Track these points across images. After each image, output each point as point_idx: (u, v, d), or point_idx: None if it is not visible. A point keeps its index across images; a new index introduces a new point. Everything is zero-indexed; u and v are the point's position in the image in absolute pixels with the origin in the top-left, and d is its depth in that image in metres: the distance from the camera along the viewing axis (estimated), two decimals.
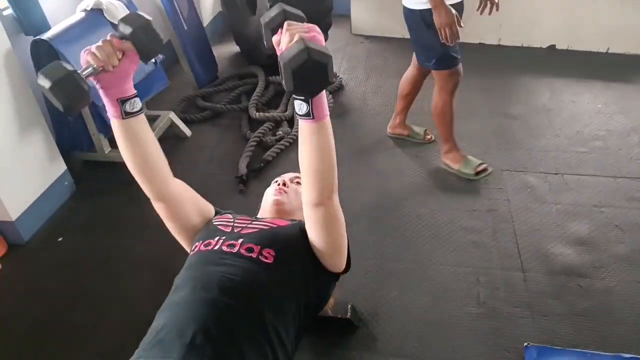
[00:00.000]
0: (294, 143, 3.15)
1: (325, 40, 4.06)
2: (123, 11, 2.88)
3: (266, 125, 3.27)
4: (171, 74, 3.83)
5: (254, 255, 1.28)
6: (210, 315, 1.15)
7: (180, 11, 3.68)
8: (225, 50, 4.50)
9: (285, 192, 1.59)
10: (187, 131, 3.33)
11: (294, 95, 1.02)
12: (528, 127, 3.26)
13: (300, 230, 1.37)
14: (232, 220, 1.46)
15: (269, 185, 1.68)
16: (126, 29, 1.10)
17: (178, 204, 1.41)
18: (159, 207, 1.40)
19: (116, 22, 2.89)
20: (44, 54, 2.52)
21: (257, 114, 3.35)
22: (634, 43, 4.07)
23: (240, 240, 1.32)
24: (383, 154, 3.07)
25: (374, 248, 2.40)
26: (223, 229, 1.41)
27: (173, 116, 3.26)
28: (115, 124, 1.20)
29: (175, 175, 3.00)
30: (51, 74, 1.01)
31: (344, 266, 1.41)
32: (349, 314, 1.98)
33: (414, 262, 2.33)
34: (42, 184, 2.63)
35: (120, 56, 1.12)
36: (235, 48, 4.42)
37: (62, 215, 2.70)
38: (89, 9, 2.74)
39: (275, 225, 1.41)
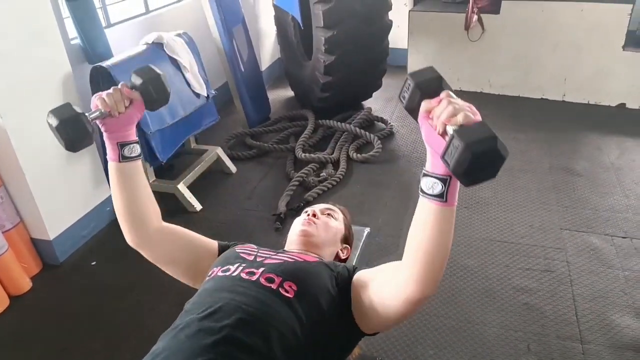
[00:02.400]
0: (336, 185, 3.05)
1: (379, 87, 4.11)
2: (182, 47, 2.99)
3: (310, 166, 3.21)
4: (225, 113, 3.92)
5: (273, 286, 1.15)
6: (213, 349, 1.01)
7: (239, 53, 3.78)
8: (280, 94, 4.57)
9: (315, 224, 1.47)
10: (233, 167, 3.33)
11: (426, 171, 0.91)
12: (593, 184, 2.99)
13: (327, 271, 1.24)
14: (256, 250, 1.35)
15: None
16: (137, 80, 1.15)
17: (157, 250, 1.34)
18: (140, 251, 1.35)
19: (175, 57, 2.99)
20: (102, 81, 2.63)
21: (303, 154, 3.31)
22: None
23: (261, 270, 1.21)
24: None
25: None
26: (245, 256, 1.30)
27: (220, 151, 3.28)
28: (111, 166, 1.22)
29: (215, 207, 2.94)
30: (60, 113, 1.06)
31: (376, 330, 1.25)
32: None
33: (456, 319, 2.10)
34: (84, 207, 2.67)
35: (127, 104, 1.16)
36: (290, 93, 4.49)
37: (100, 240, 2.70)
38: (150, 42, 2.86)
39: (301, 260, 1.29)
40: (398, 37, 4.63)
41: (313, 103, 3.92)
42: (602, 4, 3.75)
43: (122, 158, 1.20)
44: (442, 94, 0.88)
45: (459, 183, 0.91)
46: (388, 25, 3.74)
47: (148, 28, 3.24)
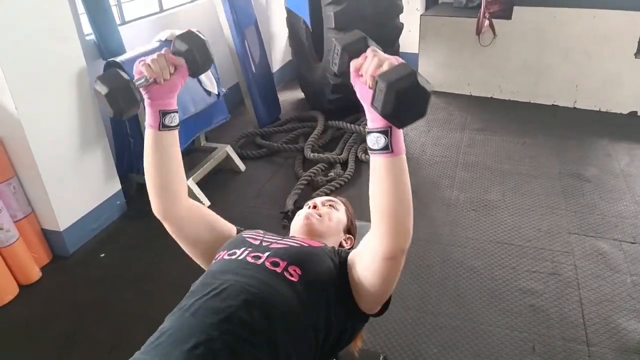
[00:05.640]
0: (344, 185, 3.06)
1: None
2: None
3: (319, 165, 3.22)
4: (236, 113, 3.97)
5: (278, 270, 1.17)
6: (218, 327, 1.03)
7: (251, 54, 3.82)
8: (291, 96, 4.61)
9: (317, 215, 1.50)
10: (242, 166, 3.36)
11: (368, 129, 0.94)
12: (603, 190, 2.98)
13: (330, 257, 1.26)
14: (262, 235, 1.37)
15: None
16: (182, 46, 1.13)
17: (183, 226, 1.34)
18: (165, 224, 1.34)
19: None
20: None
21: (312, 154, 3.33)
22: None
23: (266, 254, 1.22)
24: (438, 203, 2.90)
25: (417, 298, 2.20)
26: (251, 241, 1.32)
27: (230, 149, 3.31)
28: (149, 133, 1.21)
29: (223, 204, 2.98)
30: (109, 81, 1.05)
31: (378, 310, 1.26)
32: None
33: (461, 319, 2.09)
34: (95, 200, 2.70)
35: (172, 70, 1.15)
36: (300, 94, 4.52)
37: (109, 233, 2.74)
38: (163, 39, 2.90)
39: (306, 245, 1.30)
40: (409, 42, 4.64)
41: (323, 105, 3.94)
42: (615, 11, 3.74)
43: (162, 126, 1.19)
44: (368, 51, 0.93)
45: (401, 131, 0.93)
46: (399, 28, 3.77)
47: (161, 26, 3.29)
